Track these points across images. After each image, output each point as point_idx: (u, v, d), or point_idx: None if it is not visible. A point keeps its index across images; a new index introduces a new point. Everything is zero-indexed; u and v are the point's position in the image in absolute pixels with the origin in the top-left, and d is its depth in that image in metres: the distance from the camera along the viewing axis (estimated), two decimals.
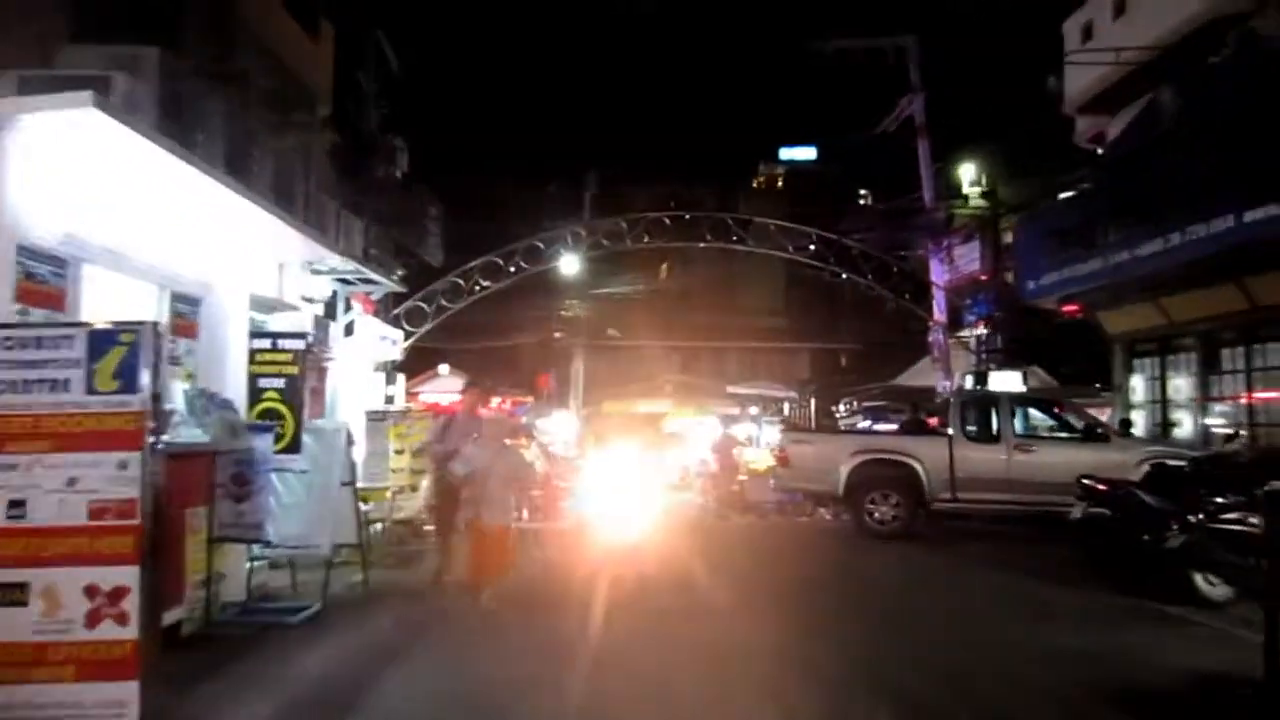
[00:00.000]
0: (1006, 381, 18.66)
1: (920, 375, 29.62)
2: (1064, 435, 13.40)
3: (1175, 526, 8.63)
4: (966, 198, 23.97)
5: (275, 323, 11.11)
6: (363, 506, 12.17)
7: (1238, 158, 12.64)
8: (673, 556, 12.42)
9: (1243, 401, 14.70)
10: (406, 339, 19.58)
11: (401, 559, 12.05)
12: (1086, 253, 16.72)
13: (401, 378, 19.42)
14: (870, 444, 13.88)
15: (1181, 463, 11.26)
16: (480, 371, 36.79)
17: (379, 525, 12.52)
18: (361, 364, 18.05)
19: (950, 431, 13.47)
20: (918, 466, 13.31)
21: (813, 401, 31.39)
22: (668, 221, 19.70)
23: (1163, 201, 14.35)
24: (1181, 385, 16.76)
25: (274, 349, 9.20)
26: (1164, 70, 15.97)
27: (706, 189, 42.60)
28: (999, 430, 13.33)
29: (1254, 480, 9.31)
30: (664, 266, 41.53)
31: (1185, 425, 16.61)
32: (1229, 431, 13.71)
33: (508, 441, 10.92)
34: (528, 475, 9.48)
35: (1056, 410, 13.85)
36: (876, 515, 13.42)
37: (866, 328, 38.85)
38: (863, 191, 45.96)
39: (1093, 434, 13.18)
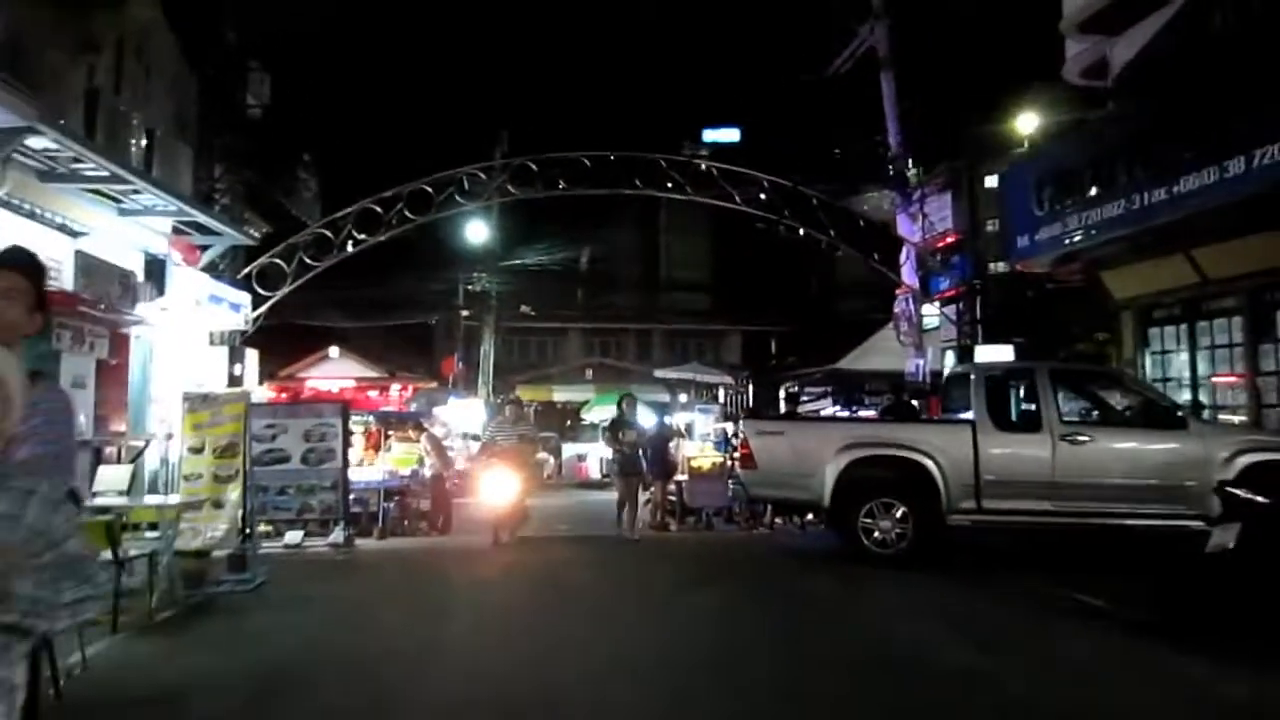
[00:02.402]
0: (996, 357, 15.00)
1: (869, 357, 25.91)
2: (1124, 420, 9.57)
3: None
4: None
5: None
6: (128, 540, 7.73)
7: None
8: (591, 598, 8.21)
9: None
10: (260, 305, 14.86)
11: (183, 616, 7.59)
12: (1097, 198, 13.10)
13: (253, 354, 14.72)
14: (864, 435, 9.82)
15: None
16: (383, 356, 32.10)
17: (161, 560, 7.96)
18: (189, 334, 13.35)
19: (972, 418, 9.53)
20: (931, 466, 9.34)
21: (750, 386, 27.55)
22: (588, 163, 15.38)
23: (1222, 117, 10.73)
24: (1213, 359, 13.21)
25: None
26: None
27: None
28: (1040, 415, 9.43)
29: None
30: (584, 253, 36.82)
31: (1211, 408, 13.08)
32: None
33: None
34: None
35: (1115, 386, 10.01)
36: (876, 533, 9.41)
37: (795, 308, 35.32)
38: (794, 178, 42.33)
39: (1164, 417, 9.38)
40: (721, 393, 27.61)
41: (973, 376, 9.89)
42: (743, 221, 35.10)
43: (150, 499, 8.86)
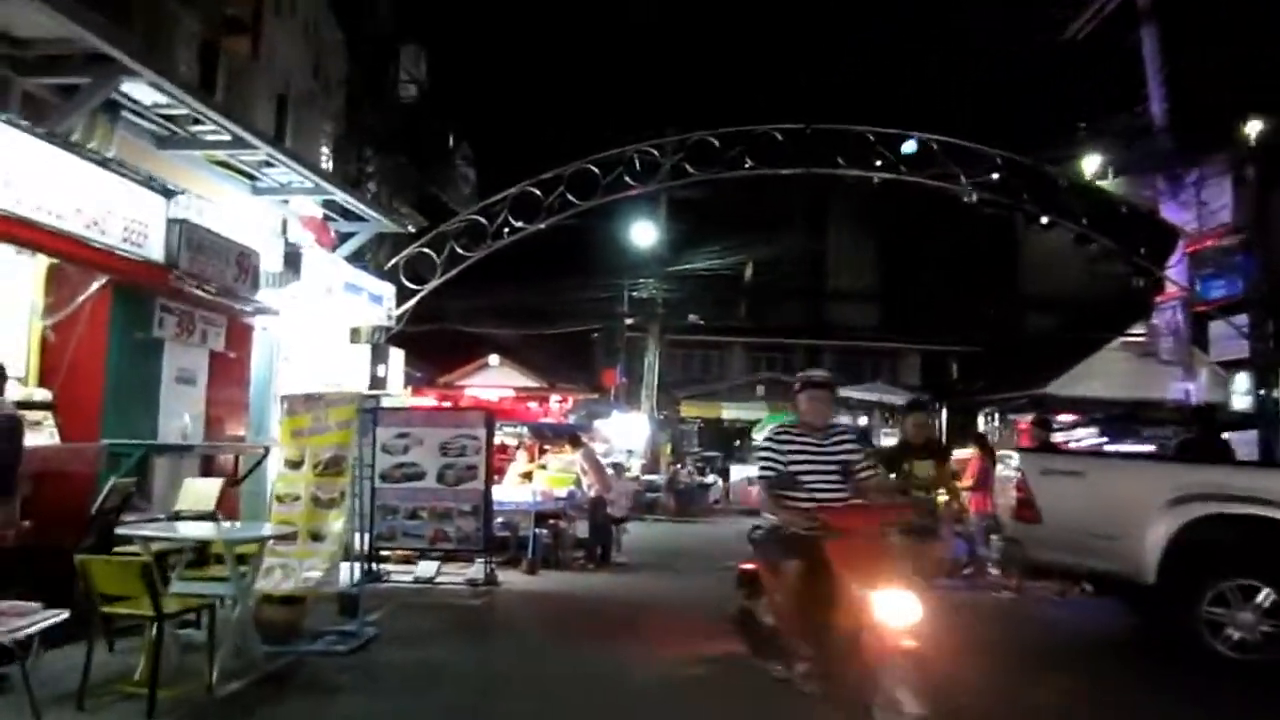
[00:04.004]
0: None
1: (1087, 381, 21.85)
2: None
3: None
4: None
5: None
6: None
7: None
8: None
9: None
10: (405, 301, 12.99)
11: (253, 692, 5.37)
12: None
13: (398, 354, 12.84)
14: (1211, 482, 6.58)
15: None
16: (543, 366, 30.45)
17: (231, 613, 5.80)
18: (327, 329, 11.55)
19: None
20: None
21: (944, 412, 24.00)
22: (779, 138, 12.67)
23: None
24: None
25: None
26: None
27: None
28: None
29: None
30: (748, 266, 33.73)
31: None
32: None
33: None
34: None
35: None
36: (1230, 629, 6.22)
37: (975, 325, 31.25)
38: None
39: None
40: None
41: None
42: (918, 224, 31.54)
43: (268, 527, 6.73)
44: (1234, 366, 12.99)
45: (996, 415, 22.67)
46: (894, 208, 28.05)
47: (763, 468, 5.04)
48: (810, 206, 34.32)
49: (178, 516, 6.87)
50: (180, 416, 8.46)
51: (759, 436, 25.01)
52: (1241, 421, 10.96)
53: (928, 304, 34.17)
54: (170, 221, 7.30)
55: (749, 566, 5.18)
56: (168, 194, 7.32)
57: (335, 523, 6.43)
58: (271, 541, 6.14)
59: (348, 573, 7.90)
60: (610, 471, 14.53)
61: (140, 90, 8.15)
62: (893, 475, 6.89)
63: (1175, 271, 13.23)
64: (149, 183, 7.13)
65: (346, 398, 6.87)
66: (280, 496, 6.53)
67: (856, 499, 4.88)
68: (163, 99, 8.30)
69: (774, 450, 4.99)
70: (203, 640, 5.84)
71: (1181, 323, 13.19)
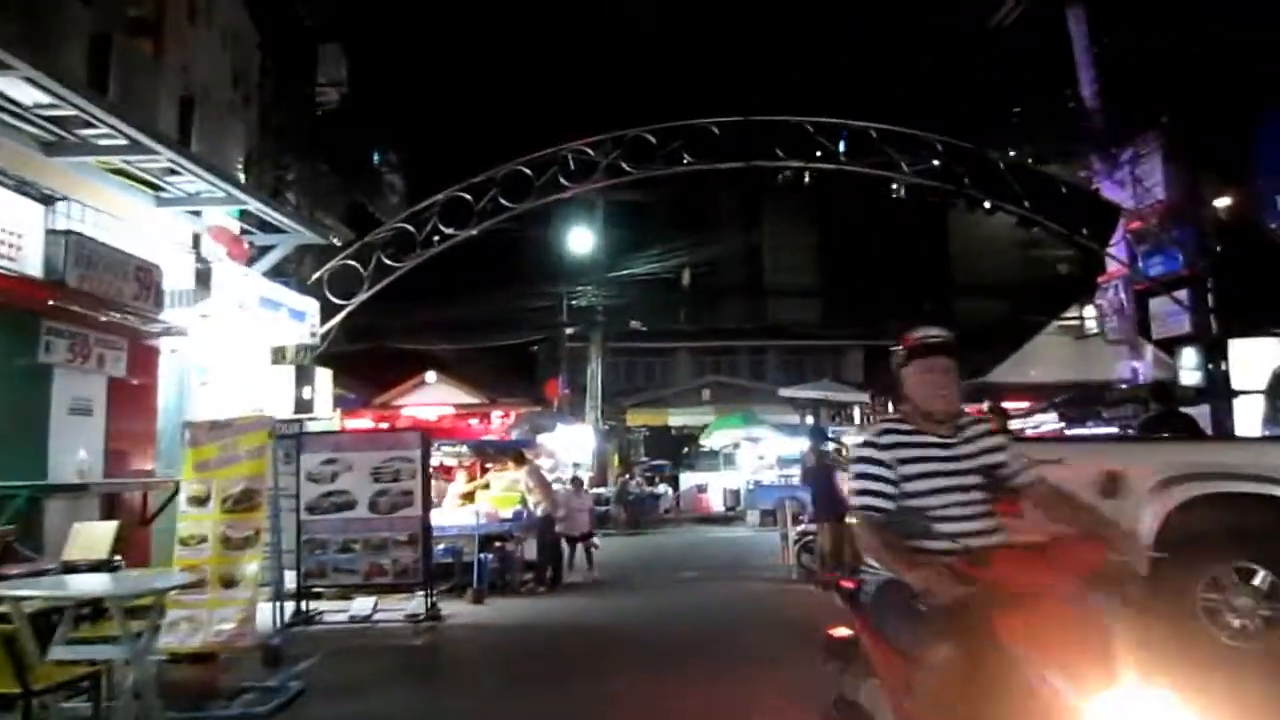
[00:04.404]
0: (1256, 356, 11.06)
1: (1024, 366, 21.97)
2: None
3: None
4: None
5: None
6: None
7: None
8: None
9: None
10: (332, 317, 12.08)
11: None
12: None
13: (326, 375, 11.90)
14: (1199, 461, 6.13)
15: None
16: (483, 381, 29.46)
17: (124, 680, 4.89)
18: (245, 349, 10.59)
19: None
20: None
21: (889, 405, 23.75)
22: (716, 132, 12.14)
23: None
24: None
25: None
26: None
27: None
28: None
29: None
30: (685, 271, 33.21)
31: None
32: None
33: None
34: None
35: None
36: (1228, 616, 5.78)
37: (911, 316, 31.27)
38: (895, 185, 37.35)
39: None
40: (857, 413, 23.95)
41: None
42: (855, 217, 31.34)
43: (175, 575, 5.78)
44: (1176, 343, 12.83)
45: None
46: (830, 201, 27.90)
47: (861, 492, 2.93)
48: (746, 205, 34.10)
49: (69, 567, 5.96)
50: (75, 452, 7.53)
51: (707, 442, 24.30)
52: (1194, 397, 10.72)
53: (867, 297, 34.14)
54: (52, 233, 6.38)
55: (842, 632, 3.27)
56: (47, 201, 6.41)
57: (250, 565, 5.60)
58: (176, 591, 5.30)
59: (272, 618, 7.08)
60: (568, 487, 13.79)
61: (19, 89, 7.21)
62: None
63: (1117, 249, 13.04)
64: (22, 188, 6.21)
65: (258, 423, 6.03)
66: (185, 539, 5.67)
67: (1029, 532, 2.82)
68: (44, 98, 7.37)
69: (877, 463, 2.92)
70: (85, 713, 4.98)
71: (1125, 300, 12.99)
